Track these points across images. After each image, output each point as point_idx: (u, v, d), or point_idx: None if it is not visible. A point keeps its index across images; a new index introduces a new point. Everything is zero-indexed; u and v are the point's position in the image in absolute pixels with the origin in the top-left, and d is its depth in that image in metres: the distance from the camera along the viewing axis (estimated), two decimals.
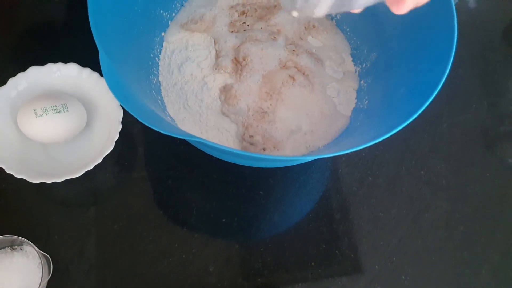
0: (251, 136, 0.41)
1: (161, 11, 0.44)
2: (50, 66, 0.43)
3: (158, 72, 0.43)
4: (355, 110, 0.44)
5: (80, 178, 0.39)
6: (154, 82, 0.42)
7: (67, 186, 0.40)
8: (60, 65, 0.43)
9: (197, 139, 0.27)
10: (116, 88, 0.27)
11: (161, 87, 0.43)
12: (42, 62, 0.42)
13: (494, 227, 0.46)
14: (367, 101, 0.43)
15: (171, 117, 0.41)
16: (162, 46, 0.44)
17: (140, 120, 0.27)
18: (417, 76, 0.36)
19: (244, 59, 0.43)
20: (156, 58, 0.44)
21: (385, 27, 0.42)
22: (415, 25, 0.38)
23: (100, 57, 0.28)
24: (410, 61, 0.38)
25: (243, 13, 0.46)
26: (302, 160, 0.29)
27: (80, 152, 0.43)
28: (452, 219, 0.46)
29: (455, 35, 0.33)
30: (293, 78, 0.43)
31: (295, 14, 0.24)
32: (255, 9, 0.46)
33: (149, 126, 0.27)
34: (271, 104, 0.42)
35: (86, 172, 0.39)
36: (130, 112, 0.27)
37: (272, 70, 0.43)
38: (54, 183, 0.39)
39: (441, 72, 0.32)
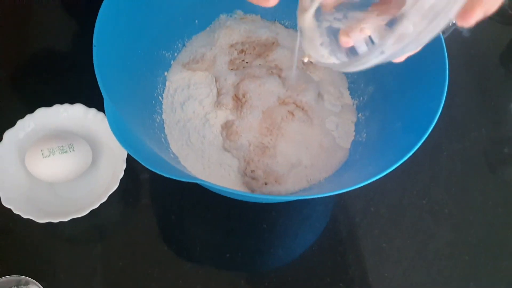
0: (252, 171, 0.42)
1: (163, 52, 0.45)
2: (57, 107, 0.44)
3: (162, 111, 0.45)
4: (354, 143, 0.45)
5: (86, 216, 0.40)
6: (158, 120, 0.44)
7: (73, 224, 0.41)
8: (66, 106, 0.44)
9: (199, 181, 0.28)
10: (120, 133, 0.29)
11: (165, 125, 0.44)
12: (49, 103, 0.44)
13: (500, 256, 0.46)
14: (365, 134, 0.44)
15: (174, 154, 0.42)
16: (165, 85, 0.46)
17: (143, 164, 0.28)
18: (412, 111, 0.37)
19: (243, 96, 0.44)
20: (160, 97, 0.45)
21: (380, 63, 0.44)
22: (408, 63, 0.40)
23: (104, 103, 0.30)
24: (406, 96, 0.39)
25: (242, 51, 0.48)
26: (304, 197, 0.30)
27: (86, 190, 0.44)
28: (456, 249, 0.46)
29: (447, 74, 0.34)
30: (292, 113, 0.44)
31: (305, 60, 0.25)
32: (254, 47, 0.48)
33: (152, 169, 0.28)
34: (271, 139, 0.43)
35: (92, 210, 0.40)
36: (133, 156, 0.28)
37: (271, 107, 0.44)
38: (60, 222, 0.39)
39: (434, 109, 0.33)
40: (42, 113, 0.44)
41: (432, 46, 0.35)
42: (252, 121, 0.43)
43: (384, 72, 0.43)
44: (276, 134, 0.43)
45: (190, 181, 0.28)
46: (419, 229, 0.47)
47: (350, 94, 0.48)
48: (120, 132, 0.29)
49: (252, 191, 0.42)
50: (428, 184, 0.50)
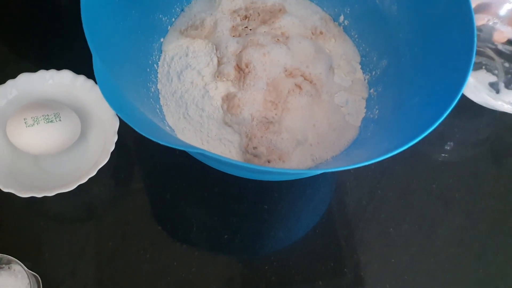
0: (254, 148, 0.39)
1: (160, 16, 0.42)
2: (42, 73, 0.41)
3: (157, 80, 0.42)
4: (365, 120, 0.42)
5: (73, 192, 0.37)
6: (153, 90, 0.40)
7: (59, 200, 0.38)
8: (52, 72, 0.41)
9: (198, 150, 0.25)
10: (110, 95, 0.25)
11: (160, 95, 0.41)
12: (33, 69, 0.41)
13: (511, 243, 0.44)
14: (377, 111, 0.41)
15: (170, 127, 0.39)
16: (161, 53, 0.43)
17: (137, 130, 0.25)
18: (433, 84, 0.34)
19: (246, 66, 0.41)
20: (155, 65, 0.42)
21: (395, 32, 0.41)
22: (428, 29, 0.37)
23: (93, 62, 0.27)
24: (425, 68, 0.36)
25: (245, 17, 0.44)
26: (309, 174, 0.28)
27: (73, 164, 0.41)
28: (466, 235, 0.44)
29: (475, 36, 0.31)
30: (299, 87, 0.41)
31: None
32: (258, 13, 0.44)
33: (147, 136, 0.25)
34: (276, 114, 0.40)
35: (80, 186, 0.37)
36: (125, 121, 0.25)
37: (277, 78, 0.41)
38: (45, 197, 0.37)
39: (460, 79, 0.30)
40: (26, 79, 0.40)
41: (456, 3, 0.33)
42: (256, 94, 0.40)
43: (398, 43, 0.40)
44: (281, 109, 0.40)
45: (189, 150, 0.25)
46: (428, 214, 0.45)
47: (362, 68, 0.45)
48: (110, 93, 0.26)
49: None
50: (438, 167, 0.47)
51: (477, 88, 0.43)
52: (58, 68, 0.41)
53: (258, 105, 0.40)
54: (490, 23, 0.48)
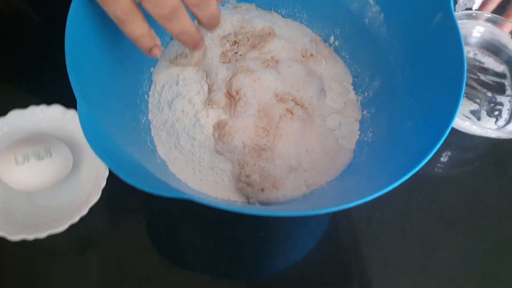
0: (247, 176, 0.38)
1: None
2: (32, 109, 0.41)
3: (148, 110, 0.42)
4: (359, 143, 0.41)
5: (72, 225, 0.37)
6: (143, 121, 0.40)
7: (51, 237, 0.38)
8: (43, 107, 0.41)
9: (185, 196, 0.25)
10: (95, 141, 0.25)
11: (151, 126, 0.41)
12: (24, 105, 0.41)
13: None
14: (371, 133, 0.41)
15: (161, 159, 0.39)
16: (151, 83, 0.43)
17: (122, 178, 0.24)
18: (425, 108, 0.34)
19: (237, 93, 0.41)
20: (145, 95, 0.42)
21: (386, 53, 0.41)
22: (418, 53, 0.37)
23: (78, 106, 0.26)
24: (417, 92, 0.36)
25: (234, 42, 0.44)
26: (305, 214, 0.27)
27: (65, 198, 0.41)
28: (468, 256, 0.43)
29: (464, 60, 0.31)
30: (291, 112, 0.41)
31: None
32: (248, 37, 0.44)
33: (131, 183, 0.24)
34: (267, 141, 0.39)
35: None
36: (110, 168, 0.25)
37: (267, 104, 0.41)
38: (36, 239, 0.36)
39: (452, 105, 0.29)
40: (16, 115, 0.41)
41: (445, 29, 0.33)
42: (247, 121, 0.40)
43: (390, 64, 0.40)
44: (273, 135, 0.40)
45: (176, 196, 0.25)
46: (428, 235, 0.44)
47: (354, 89, 0.45)
48: (96, 139, 0.25)
49: (248, 198, 0.39)
50: (437, 185, 0.47)
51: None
52: (48, 102, 0.41)
53: (249, 132, 0.40)
54: (471, 54, 0.49)
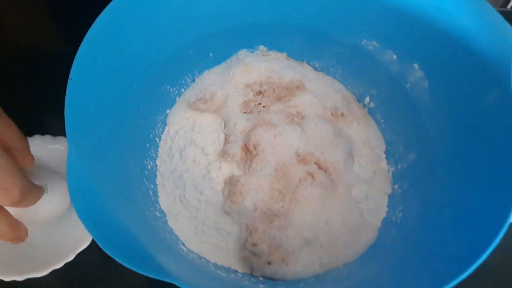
0: (254, 244, 0.34)
1: (167, 87, 0.39)
2: (36, 138, 0.39)
3: (156, 155, 0.38)
4: (386, 222, 0.37)
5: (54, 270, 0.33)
6: (149, 167, 0.37)
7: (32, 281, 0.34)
8: (48, 137, 0.39)
9: (170, 280, 0.21)
10: (81, 203, 0.22)
11: (157, 173, 0.38)
12: (29, 133, 0.38)
13: None
14: (400, 214, 0.36)
15: (161, 212, 0.35)
16: (165, 125, 0.40)
17: (105, 250, 0.21)
18: (470, 197, 0.29)
19: (255, 148, 0.37)
20: (157, 138, 0.39)
21: (426, 124, 0.36)
22: (465, 128, 0.32)
23: (68, 157, 0.23)
24: (459, 174, 0.31)
25: (259, 92, 0.41)
26: None
27: (55, 239, 0.38)
28: None
29: None
30: (312, 175, 0.37)
31: None
32: (274, 88, 0.41)
33: (114, 258, 0.21)
34: (282, 206, 0.35)
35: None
36: (93, 237, 0.21)
37: (287, 163, 0.37)
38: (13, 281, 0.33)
39: (508, 201, 0.24)
40: None
41: (501, 109, 0.28)
42: (262, 180, 0.36)
43: (429, 138, 0.35)
44: (289, 200, 0.36)
45: (159, 278, 0.21)
46: None
47: (386, 157, 0.40)
48: (82, 199, 0.22)
49: (252, 269, 0.34)
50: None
51: None
52: (54, 133, 0.39)
53: (263, 194, 0.36)
54: None
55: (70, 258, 0.34)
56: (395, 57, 0.38)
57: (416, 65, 0.36)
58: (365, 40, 0.39)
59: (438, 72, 0.35)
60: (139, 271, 0.21)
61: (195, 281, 0.27)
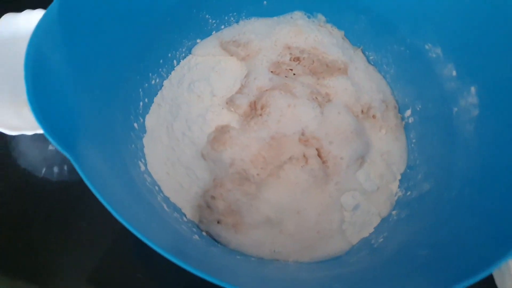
0: (212, 197, 0.32)
1: (207, 16, 0.38)
2: (28, 13, 0.38)
3: (167, 76, 0.37)
4: (363, 243, 0.32)
5: None
6: (153, 82, 0.36)
7: None
8: (39, 11, 0.38)
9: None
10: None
11: (160, 92, 0.36)
12: (18, 8, 0.38)
13: None
14: (382, 239, 0.31)
15: (141, 126, 0.34)
16: (189, 53, 0.38)
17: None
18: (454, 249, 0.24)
19: (262, 108, 0.34)
20: (175, 61, 0.38)
21: (457, 157, 0.31)
22: (498, 174, 0.26)
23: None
24: (457, 224, 0.25)
25: (297, 59, 0.38)
26: None
27: None
28: None
29: None
30: (306, 159, 0.33)
31: None
32: (313, 60, 0.38)
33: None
34: (258, 174, 0.32)
35: None
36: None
37: (287, 137, 0.34)
38: None
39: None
40: (10, 19, 0.38)
41: None
42: (252, 142, 0.33)
43: (453, 172, 0.30)
44: (270, 172, 0.33)
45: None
46: None
47: (400, 180, 0.35)
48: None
49: (199, 221, 0.32)
50: None
51: None
52: (45, 5, 0.38)
53: (246, 154, 0.33)
54: None
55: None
56: (454, 73, 0.32)
57: (473, 89, 0.31)
58: (429, 44, 0.34)
59: (493, 104, 0.29)
60: (68, 156, 0.19)
61: (129, 202, 0.25)
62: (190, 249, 0.28)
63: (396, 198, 0.34)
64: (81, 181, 0.20)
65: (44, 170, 0.39)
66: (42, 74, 0.22)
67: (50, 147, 0.40)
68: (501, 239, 0.21)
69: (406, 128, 0.37)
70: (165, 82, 0.37)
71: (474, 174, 0.28)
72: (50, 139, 0.20)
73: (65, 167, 0.38)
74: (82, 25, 0.26)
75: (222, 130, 0.34)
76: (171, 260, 0.20)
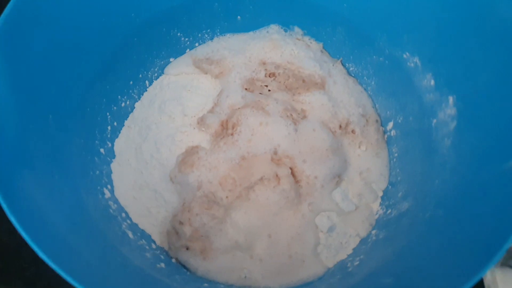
0: (180, 223, 0.31)
1: (178, 34, 0.37)
2: None
3: (138, 97, 0.37)
4: (339, 265, 0.30)
5: None
6: (122, 105, 0.36)
7: None
8: None
9: None
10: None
11: (131, 114, 0.36)
12: None
13: None
14: (358, 262, 0.29)
15: (109, 151, 0.33)
16: (162, 74, 0.38)
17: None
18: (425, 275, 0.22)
19: (232, 127, 0.33)
20: (147, 82, 0.37)
21: (434, 173, 0.29)
22: (471, 195, 0.25)
23: None
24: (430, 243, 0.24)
25: (272, 74, 0.37)
26: None
27: None
28: None
29: None
30: (278, 178, 0.32)
31: None
32: (288, 76, 0.36)
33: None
34: (227, 197, 0.31)
35: None
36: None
37: (258, 156, 0.33)
38: None
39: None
40: None
41: None
42: (221, 162, 0.32)
43: (429, 190, 0.28)
44: (238, 194, 0.31)
45: None
46: None
47: (382, 197, 0.33)
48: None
49: (168, 248, 0.31)
50: None
51: None
52: None
53: (214, 176, 0.32)
54: None
55: None
56: (432, 82, 0.31)
57: (451, 98, 0.29)
58: (407, 53, 0.33)
59: (469, 114, 0.27)
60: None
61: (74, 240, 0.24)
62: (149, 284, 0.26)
63: (376, 217, 0.33)
64: None
65: None
66: None
67: None
68: (463, 270, 0.19)
69: (389, 142, 0.36)
70: (137, 104, 0.37)
71: (447, 193, 0.27)
72: None
73: None
74: (28, 50, 0.26)
75: (192, 152, 0.33)
76: None
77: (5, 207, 0.19)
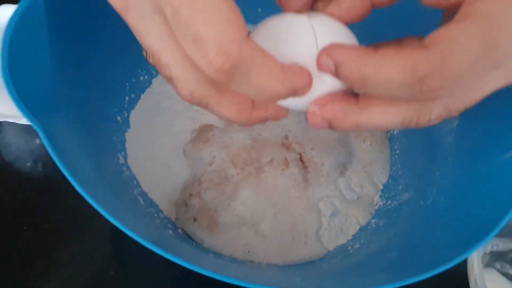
0: (190, 195, 0.32)
1: None
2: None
3: (157, 74, 0.38)
4: (339, 248, 0.32)
5: None
6: (141, 79, 0.37)
7: None
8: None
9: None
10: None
11: (148, 88, 0.37)
12: None
13: None
14: (358, 245, 0.31)
15: (125, 120, 0.34)
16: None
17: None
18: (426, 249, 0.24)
19: None
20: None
21: (436, 166, 0.31)
22: (469, 185, 0.27)
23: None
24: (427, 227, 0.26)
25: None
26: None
27: None
28: None
29: None
30: (287, 163, 0.33)
31: None
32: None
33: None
34: (238, 174, 0.33)
35: None
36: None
37: (268, 139, 0.34)
38: None
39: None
40: None
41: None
42: (234, 141, 0.34)
43: (430, 181, 0.30)
44: (248, 173, 0.33)
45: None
46: None
47: (382, 191, 0.35)
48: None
49: (176, 218, 0.32)
50: None
51: None
52: None
53: (226, 154, 0.33)
54: None
55: None
56: None
57: None
58: None
59: (472, 112, 0.30)
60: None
61: (102, 187, 0.26)
62: (165, 240, 0.28)
63: (376, 207, 0.35)
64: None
65: (29, 164, 0.39)
66: (19, 46, 0.21)
67: (37, 141, 0.40)
68: (464, 240, 0.21)
69: (391, 139, 0.38)
70: (154, 80, 0.38)
71: (448, 182, 0.29)
72: (15, 103, 0.19)
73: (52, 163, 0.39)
74: (66, 12, 0.27)
75: (206, 129, 0.35)
76: (150, 248, 0.20)
77: (46, 144, 0.20)
